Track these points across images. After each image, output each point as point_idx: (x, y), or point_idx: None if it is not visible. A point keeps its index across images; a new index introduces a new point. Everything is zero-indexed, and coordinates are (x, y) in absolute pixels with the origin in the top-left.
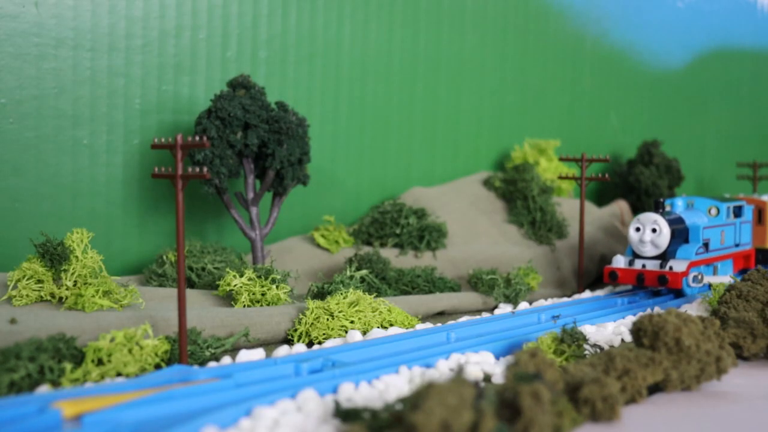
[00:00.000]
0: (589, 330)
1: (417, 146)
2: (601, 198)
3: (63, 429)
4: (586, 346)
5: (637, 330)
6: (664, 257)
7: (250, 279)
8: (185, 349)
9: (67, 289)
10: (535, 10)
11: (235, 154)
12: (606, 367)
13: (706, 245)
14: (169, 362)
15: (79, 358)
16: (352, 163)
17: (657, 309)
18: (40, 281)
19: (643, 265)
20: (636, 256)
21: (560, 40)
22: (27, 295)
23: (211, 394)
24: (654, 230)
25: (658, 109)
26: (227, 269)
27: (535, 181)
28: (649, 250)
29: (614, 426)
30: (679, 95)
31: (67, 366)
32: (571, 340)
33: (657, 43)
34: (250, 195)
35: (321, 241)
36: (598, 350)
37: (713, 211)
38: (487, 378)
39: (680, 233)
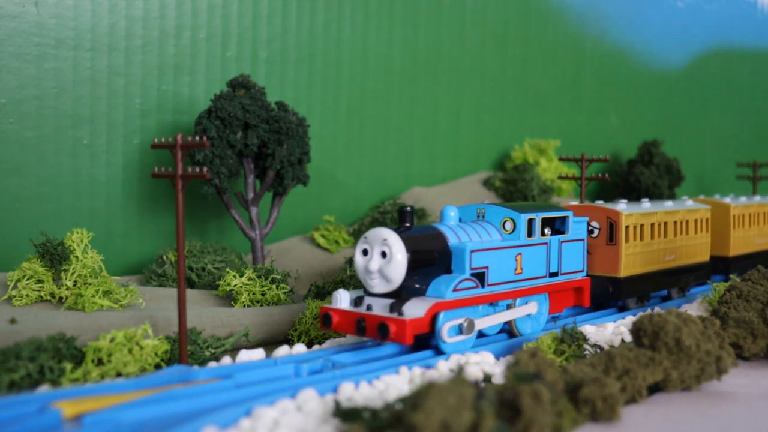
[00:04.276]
0: (589, 330)
1: (417, 146)
2: (601, 198)
3: (63, 429)
4: (586, 346)
5: (637, 330)
6: (398, 295)
7: (250, 279)
8: (185, 349)
9: (67, 289)
10: (536, 11)
11: (235, 154)
12: (606, 367)
13: (480, 276)
14: (169, 362)
15: (79, 358)
16: (352, 163)
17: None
18: (40, 281)
19: (369, 307)
20: (367, 291)
21: (560, 40)
22: (27, 295)
23: (211, 394)
24: (384, 254)
25: (659, 109)
26: (227, 269)
27: (535, 181)
28: (377, 284)
29: (614, 426)
30: (679, 95)
31: (67, 366)
32: (571, 340)
33: (657, 43)
34: (250, 195)
35: (321, 241)
36: (598, 350)
37: (508, 226)
38: (487, 378)
39: (441, 258)
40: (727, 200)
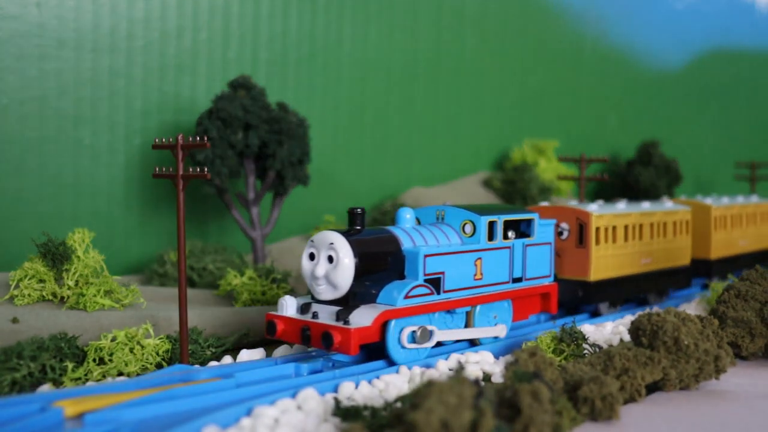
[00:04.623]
0: (588, 329)
1: (417, 146)
2: (600, 198)
3: (65, 428)
4: (585, 346)
5: (636, 329)
6: (347, 302)
7: (250, 278)
8: (186, 349)
9: (68, 289)
10: (535, 11)
11: (236, 154)
12: (605, 366)
13: (435, 282)
14: (170, 361)
15: (80, 357)
16: (352, 163)
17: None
18: (41, 281)
19: (315, 314)
20: (315, 298)
21: (560, 40)
22: (29, 295)
23: (212, 393)
24: (330, 259)
25: (657, 110)
26: (228, 269)
27: (534, 182)
28: (324, 291)
29: (613, 425)
30: (678, 96)
31: (69, 365)
32: (570, 339)
33: (656, 44)
34: (251, 195)
35: None
36: (597, 349)
37: (468, 229)
38: (487, 377)
39: (394, 263)
40: (708, 201)
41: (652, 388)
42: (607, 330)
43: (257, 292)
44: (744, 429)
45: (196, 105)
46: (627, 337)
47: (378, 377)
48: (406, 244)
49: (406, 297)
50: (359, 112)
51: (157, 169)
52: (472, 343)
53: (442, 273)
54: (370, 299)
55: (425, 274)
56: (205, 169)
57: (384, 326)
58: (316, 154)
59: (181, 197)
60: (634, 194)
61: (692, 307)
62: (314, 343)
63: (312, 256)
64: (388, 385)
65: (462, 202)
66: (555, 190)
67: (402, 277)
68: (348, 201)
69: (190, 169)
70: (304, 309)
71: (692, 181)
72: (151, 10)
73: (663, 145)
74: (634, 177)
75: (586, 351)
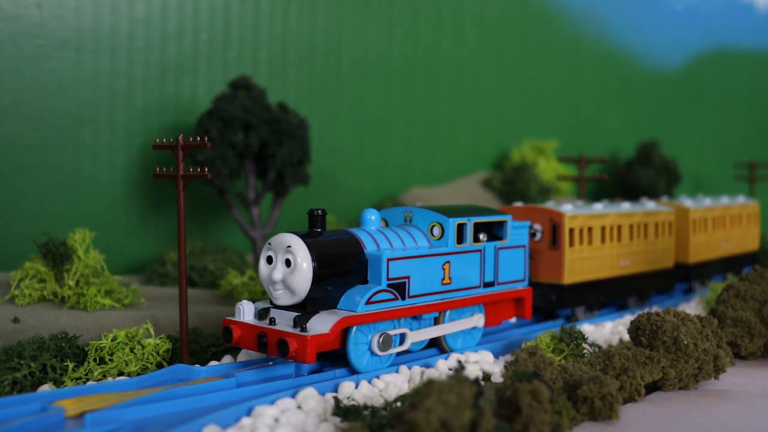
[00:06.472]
0: (587, 329)
1: (417, 146)
2: (600, 198)
3: (66, 427)
4: (584, 345)
5: (635, 329)
6: (305, 308)
7: (251, 278)
8: (187, 348)
9: (69, 289)
10: (535, 12)
11: (236, 154)
12: (604, 366)
13: (400, 287)
14: (170, 361)
15: (81, 357)
16: (352, 163)
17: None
18: (42, 281)
19: (272, 320)
20: (273, 303)
21: (559, 41)
22: (29, 295)
23: (212, 393)
24: (288, 263)
25: (657, 110)
26: (228, 269)
27: (534, 182)
28: (281, 296)
29: (613, 424)
30: (678, 96)
31: (70, 365)
32: (569, 339)
33: (655, 45)
34: (251, 195)
35: None
36: (597, 349)
37: (436, 231)
38: (487, 377)
39: (357, 267)
40: (688, 203)
41: (652, 387)
42: (607, 330)
43: (258, 292)
44: (743, 429)
45: (197, 105)
46: (626, 337)
47: (378, 377)
48: (369, 246)
49: (368, 303)
50: (359, 112)
51: (158, 169)
52: (441, 351)
53: (407, 277)
54: (332, 304)
55: (389, 279)
56: (206, 170)
57: (345, 333)
58: (316, 154)
59: (182, 197)
60: (634, 194)
61: (692, 307)
62: (270, 351)
63: (270, 260)
64: (388, 385)
65: (462, 202)
66: (555, 190)
67: (365, 281)
68: (348, 201)
69: (191, 170)
70: (262, 314)
71: (692, 181)
72: (151, 11)
73: (662, 145)
74: (633, 177)
75: (585, 351)
